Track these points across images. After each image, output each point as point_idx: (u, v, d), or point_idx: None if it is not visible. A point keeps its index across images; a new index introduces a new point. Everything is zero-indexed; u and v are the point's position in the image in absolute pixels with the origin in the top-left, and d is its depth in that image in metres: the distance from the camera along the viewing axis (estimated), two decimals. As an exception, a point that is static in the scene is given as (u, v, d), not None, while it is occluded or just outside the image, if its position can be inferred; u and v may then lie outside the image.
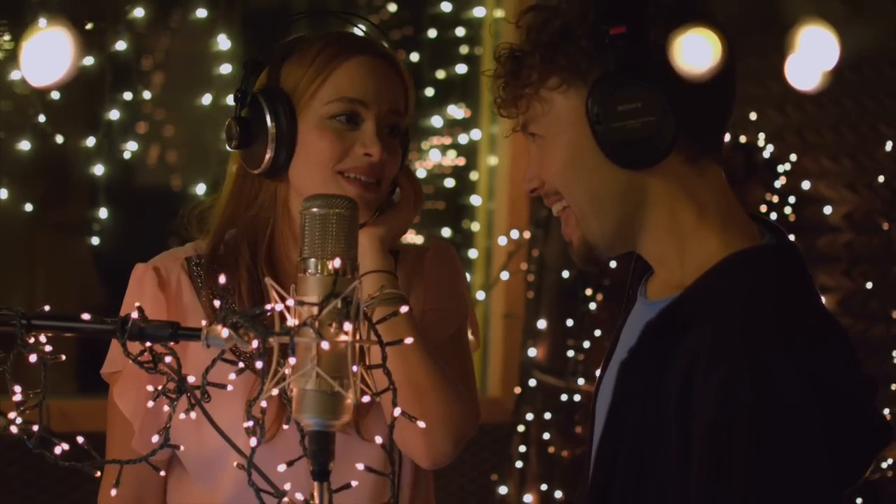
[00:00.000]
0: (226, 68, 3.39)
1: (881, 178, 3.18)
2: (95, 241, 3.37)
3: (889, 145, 3.14)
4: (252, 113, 1.85)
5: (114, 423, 1.91)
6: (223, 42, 3.39)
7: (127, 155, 3.40)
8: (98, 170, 3.31)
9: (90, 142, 3.31)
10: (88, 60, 3.22)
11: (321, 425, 1.30)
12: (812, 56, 1.59)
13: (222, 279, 1.31)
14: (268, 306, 1.29)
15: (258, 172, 1.86)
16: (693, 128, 1.53)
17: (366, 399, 1.30)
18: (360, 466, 1.36)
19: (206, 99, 3.41)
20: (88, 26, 3.31)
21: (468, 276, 3.60)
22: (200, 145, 3.49)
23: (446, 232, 4.04)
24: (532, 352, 3.72)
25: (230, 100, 3.40)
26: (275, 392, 1.29)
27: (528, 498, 3.67)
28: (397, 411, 1.31)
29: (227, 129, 1.86)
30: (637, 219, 1.56)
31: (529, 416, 3.71)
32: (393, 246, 1.92)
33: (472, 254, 4.08)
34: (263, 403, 1.31)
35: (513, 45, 1.57)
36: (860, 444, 1.48)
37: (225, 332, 1.29)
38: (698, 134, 1.55)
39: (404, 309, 1.39)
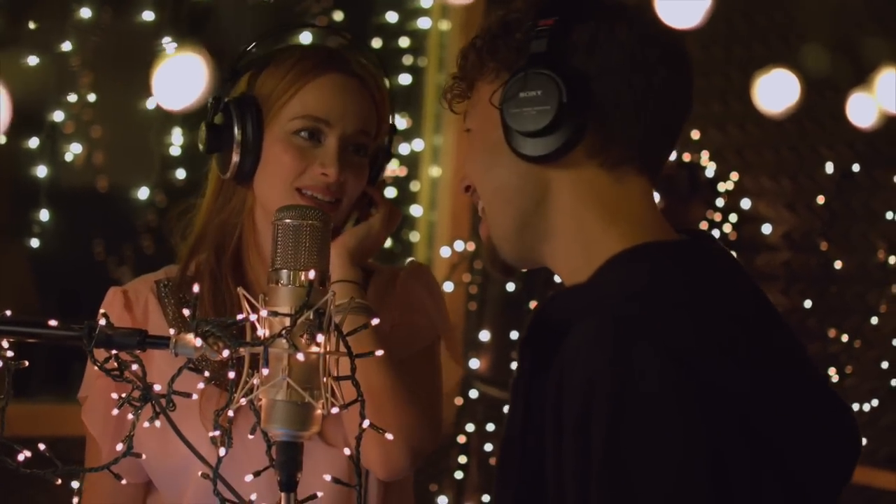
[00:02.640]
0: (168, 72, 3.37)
1: (820, 199, 3.23)
2: (35, 243, 3.33)
3: (830, 167, 3.20)
4: (224, 119, 1.88)
5: (89, 444, 1.92)
6: (169, 46, 3.37)
7: (69, 157, 3.36)
8: (41, 171, 3.26)
9: (33, 143, 3.26)
10: (33, 61, 3.18)
11: (291, 436, 1.30)
12: (886, 98, 1.55)
13: (196, 288, 1.31)
14: (240, 316, 1.29)
15: (227, 178, 1.89)
16: (610, 132, 1.46)
17: (335, 410, 1.31)
18: (328, 477, 1.36)
19: (151, 103, 3.38)
20: (32, 26, 3.28)
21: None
22: (144, 149, 3.46)
23: (386, 242, 4.04)
24: (474, 363, 3.74)
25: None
26: (243, 402, 1.29)
27: (466, 509, 3.69)
28: (366, 423, 1.32)
29: (200, 133, 1.90)
30: (538, 220, 1.49)
31: (470, 428, 3.72)
32: (364, 263, 1.92)
33: (411, 265, 4.09)
34: (231, 413, 1.31)
35: (472, 40, 1.53)
36: (764, 441, 1.36)
37: (193, 341, 1.29)
38: (617, 139, 1.47)
39: (376, 321, 1.38)
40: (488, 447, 3.71)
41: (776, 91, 1.51)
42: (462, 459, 3.73)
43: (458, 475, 3.73)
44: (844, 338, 3.15)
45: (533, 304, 3.62)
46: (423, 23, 4.07)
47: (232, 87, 1.90)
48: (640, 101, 1.47)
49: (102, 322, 1.32)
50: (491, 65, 1.50)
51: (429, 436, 1.85)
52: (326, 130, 1.86)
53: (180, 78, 1.66)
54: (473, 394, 3.75)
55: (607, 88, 1.46)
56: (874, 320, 3.04)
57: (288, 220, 1.31)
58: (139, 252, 3.44)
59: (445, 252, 3.84)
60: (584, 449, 1.31)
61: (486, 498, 3.65)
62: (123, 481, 1.46)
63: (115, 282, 3.27)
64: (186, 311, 1.29)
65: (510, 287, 3.70)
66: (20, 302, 3.55)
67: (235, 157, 1.86)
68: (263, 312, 1.27)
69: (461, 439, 3.74)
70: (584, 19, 1.46)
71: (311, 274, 1.28)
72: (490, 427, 3.70)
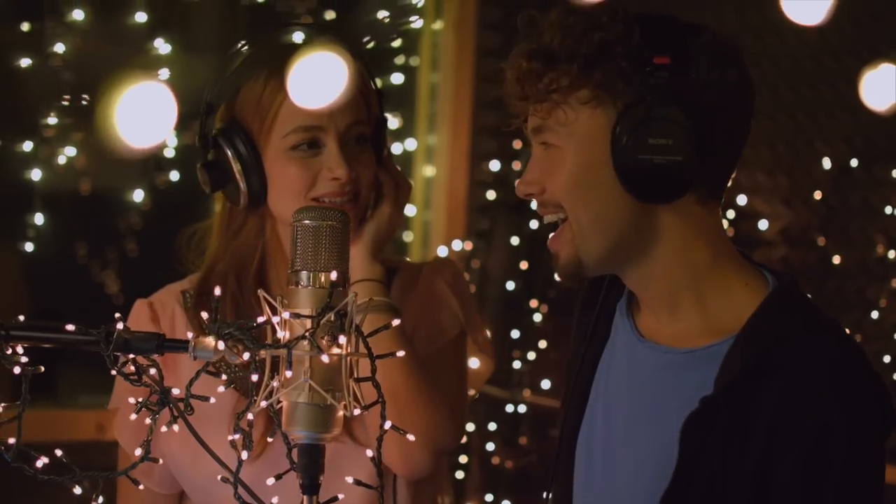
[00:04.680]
0: (164, 73, 3.35)
1: (818, 195, 3.23)
2: (30, 247, 3.31)
3: (827, 162, 3.19)
4: (217, 155, 1.86)
5: (122, 457, 1.94)
6: (162, 47, 3.36)
7: (63, 160, 3.34)
8: (35, 175, 3.24)
9: (27, 146, 3.24)
10: (26, 62, 3.16)
11: (313, 438, 1.29)
12: None
13: (217, 291, 1.29)
14: (261, 319, 1.28)
15: (241, 207, 1.88)
16: (711, 170, 1.52)
17: (357, 412, 1.30)
18: (350, 479, 1.35)
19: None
20: (25, 27, 3.26)
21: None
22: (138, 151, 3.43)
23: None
24: (474, 363, 3.71)
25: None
26: (264, 405, 1.28)
27: (468, 509, 3.68)
28: (387, 424, 1.31)
29: (198, 175, 1.88)
30: (639, 249, 1.55)
31: (471, 427, 3.71)
32: (385, 254, 1.91)
33: (406, 264, 4.07)
34: (250, 416, 1.30)
35: (545, 43, 1.52)
36: None
37: (212, 344, 1.28)
38: (714, 176, 1.54)
39: (396, 322, 1.37)
40: (490, 446, 3.70)
41: (882, 86, 1.53)
42: (463, 459, 3.72)
43: (460, 475, 3.72)
44: (845, 333, 3.14)
45: (533, 304, 3.61)
46: (416, 22, 4.05)
47: (212, 120, 1.88)
48: (739, 143, 1.55)
49: (119, 326, 1.31)
50: (588, 87, 1.51)
51: (450, 434, 1.86)
52: (322, 136, 1.84)
53: (317, 76, 1.64)
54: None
55: (717, 132, 1.50)
56: (874, 314, 3.03)
57: (307, 221, 1.30)
58: (124, 255, 3.43)
59: (443, 252, 3.83)
60: (814, 475, 1.42)
61: (489, 497, 3.65)
62: (141, 487, 1.45)
63: (102, 285, 3.25)
64: (205, 315, 1.28)
65: (510, 286, 3.69)
66: (15, 307, 3.51)
67: (242, 186, 1.84)
68: (285, 314, 1.26)
69: (462, 439, 3.72)
70: (695, 58, 1.49)
71: (333, 275, 1.27)
72: (491, 426, 3.69)
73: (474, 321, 2.02)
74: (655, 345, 1.59)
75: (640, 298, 1.61)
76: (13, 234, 3.34)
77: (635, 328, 1.63)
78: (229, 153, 1.84)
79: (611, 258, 1.56)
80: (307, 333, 1.24)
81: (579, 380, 1.69)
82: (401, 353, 1.35)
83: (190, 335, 1.29)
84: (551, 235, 1.59)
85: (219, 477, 1.34)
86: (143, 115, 1.38)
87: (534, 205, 1.61)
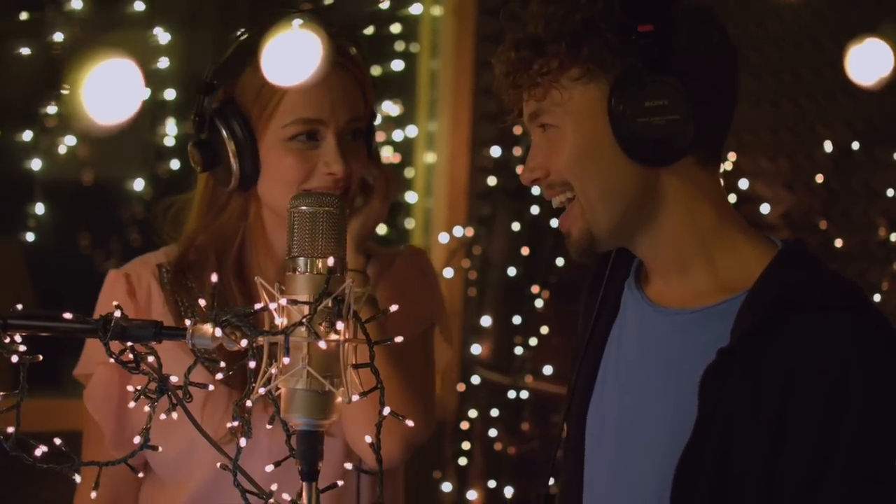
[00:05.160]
0: (163, 62, 3.34)
1: (819, 178, 3.23)
2: (31, 237, 3.31)
3: (828, 145, 3.19)
4: (211, 135, 1.86)
5: (88, 426, 1.90)
6: (162, 36, 3.34)
7: (63, 150, 3.33)
8: (35, 164, 3.24)
9: (27, 136, 3.23)
10: (25, 52, 3.15)
11: (311, 425, 1.29)
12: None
13: (214, 278, 1.29)
14: (258, 305, 1.27)
15: (229, 190, 1.87)
16: (707, 131, 1.56)
17: (355, 398, 1.30)
18: (349, 466, 1.35)
19: (144, 93, 3.34)
20: (24, 16, 3.25)
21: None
22: (138, 140, 3.43)
23: (381, 229, 4.01)
24: (476, 349, 3.72)
25: (168, 94, 3.36)
26: (262, 391, 1.28)
27: (472, 495, 3.67)
28: (386, 410, 1.31)
29: (189, 154, 1.87)
30: (646, 215, 1.58)
31: (473, 414, 3.71)
32: (366, 243, 1.91)
33: (406, 252, 4.06)
34: (249, 403, 1.30)
35: (530, 32, 1.57)
36: None
37: (210, 331, 1.28)
38: (711, 137, 1.58)
39: (395, 308, 1.37)
40: (492, 433, 3.69)
41: (869, 62, 1.57)
42: (465, 446, 3.72)
43: (462, 461, 3.72)
44: (847, 316, 3.13)
45: (534, 289, 3.60)
46: (415, 9, 4.04)
47: (211, 100, 1.87)
48: (729, 102, 1.60)
49: (117, 314, 1.31)
50: (578, 65, 1.55)
51: (423, 427, 1.86)
52: (322, 129, 1.84)
53: (295, 53, 1.65)
54: (475, 379, 3.73)
55: (708, 91, 1.55)
56: (876, 298, 3.03)
57: (304, 208, 1.30)
58: (126, 245, 3.43)
59: (444, 238, 3.82)
60: (826, 436, 1.45)
61: (491, 484, 3.65)
62: (140, 475, 1.45)
63: (105, 275, 3.25)
64: (202, 301, 1.28)
65: (511, 272, 3.69)
66: (16, 298, 3.50)
67: (235, 167, 1.84)
68: (283, 301, 1.26)
69: (464, 425, 3.73)
70: (677, 22, 1.54)
71: (330, 261, 1.27)
72: (494, 413, 3.69)
73: (442, 312, 2.04)
74: (666, 308, 1.62)
75: (650, 267, 1.64)
76: (14, 225, 3.33)
77: (645, 297, 1.66)
78: (224, 133, 1.84)
79: (621, 229, 1.59)
80: (304, 319, 1.23)
81: (586, 360, 1.71)
82: (399, 339, 1.35)
83: (188, 322, 1.29)
84: (561, 216, 1.62)
85: (218, 464, 1.34)
86: (110, 92, 1.38)
87: (535, 190, 1.63)
